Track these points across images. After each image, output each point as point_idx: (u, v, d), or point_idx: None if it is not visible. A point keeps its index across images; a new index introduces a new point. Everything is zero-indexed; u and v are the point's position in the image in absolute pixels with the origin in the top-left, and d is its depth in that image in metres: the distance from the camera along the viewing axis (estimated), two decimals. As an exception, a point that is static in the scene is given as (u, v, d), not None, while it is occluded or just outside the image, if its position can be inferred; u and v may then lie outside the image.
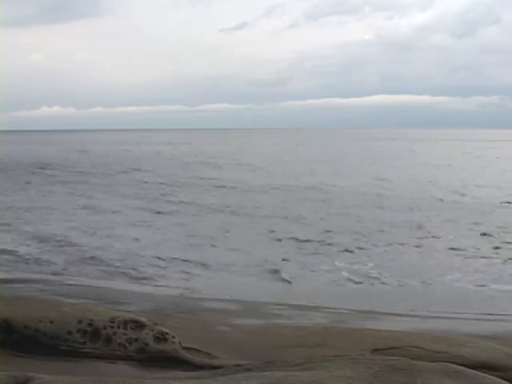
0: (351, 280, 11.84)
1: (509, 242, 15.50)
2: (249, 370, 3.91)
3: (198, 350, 5.41)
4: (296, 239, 15.79)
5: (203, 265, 12.83)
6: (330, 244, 15.22)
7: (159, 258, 13.28)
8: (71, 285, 10.83)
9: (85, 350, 5.05)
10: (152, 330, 5.27)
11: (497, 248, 14.84)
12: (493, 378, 3.36)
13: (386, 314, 9.41)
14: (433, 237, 16.36)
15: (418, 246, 15.12)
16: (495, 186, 29.09)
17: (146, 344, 5.16)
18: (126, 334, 5.18)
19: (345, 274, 12.22)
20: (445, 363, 3.49)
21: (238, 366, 4.34)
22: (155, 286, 11.27)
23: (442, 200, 24.03)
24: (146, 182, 30.75)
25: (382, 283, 11.69)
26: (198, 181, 31.88)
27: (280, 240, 15.86)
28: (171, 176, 34.44)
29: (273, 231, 16.99)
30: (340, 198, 24.57)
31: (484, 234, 16.60)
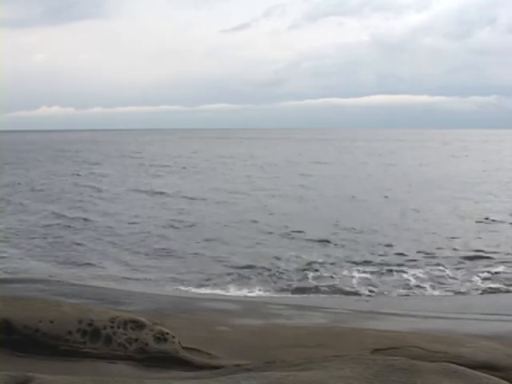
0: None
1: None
2: (249, 370, 3.90)
3: (198, 350, 5.40)
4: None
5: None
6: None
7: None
8: (71, 285, 10.82)
9: (85, 350, 5.03)
10: (152, 330, 5.26)
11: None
12: (493, 378, 3.34)
13: (386, 313, 9.40)
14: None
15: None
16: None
17: (146, 344, 5.15)
18: (125, 334, 5.16)
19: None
20: (445, 363, 3.48)
21: (238, 366, 4.33)
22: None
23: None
24: None
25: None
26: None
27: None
28: None
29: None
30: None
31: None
